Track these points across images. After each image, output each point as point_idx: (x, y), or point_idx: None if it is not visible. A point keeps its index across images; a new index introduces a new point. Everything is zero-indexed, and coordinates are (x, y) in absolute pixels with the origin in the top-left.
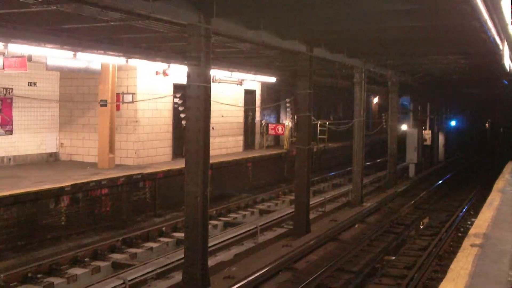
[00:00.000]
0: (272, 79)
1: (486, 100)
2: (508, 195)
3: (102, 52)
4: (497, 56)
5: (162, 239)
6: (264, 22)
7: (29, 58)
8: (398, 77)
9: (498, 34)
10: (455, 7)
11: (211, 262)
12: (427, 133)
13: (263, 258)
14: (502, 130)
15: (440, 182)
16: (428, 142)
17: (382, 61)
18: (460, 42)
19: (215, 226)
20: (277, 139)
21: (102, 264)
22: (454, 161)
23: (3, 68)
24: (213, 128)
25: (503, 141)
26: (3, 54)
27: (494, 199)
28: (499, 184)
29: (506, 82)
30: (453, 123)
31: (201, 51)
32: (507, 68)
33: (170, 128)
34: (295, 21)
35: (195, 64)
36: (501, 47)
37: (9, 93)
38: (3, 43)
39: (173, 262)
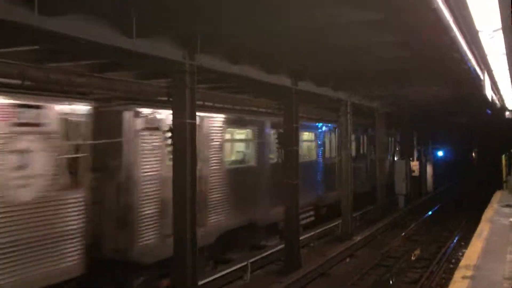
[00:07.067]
0: None
1: (472, 130)
2: (497, 225)
3: None
4: (479, 86)
5: None
6: (249, 57)
7: None
8: (385, 108)
9: (478, 65)
10: (436, 39)
11: None
12: (414, 164)
13: None
14: (488, 159)
15: (430, 213)
16: (416, 173)
17: (368, 93)
18: (443, 72)
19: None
20: None
21: None
22: (442, 191)
23: None
24: None
25: (489, 170)
26: None
27: (483, 229)
28: (487, 213)
29: (489, 111)
30: (440, 153)
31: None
32: (489, 97)
33: None
34: (279, 55)
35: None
36: (482, 77)
37: None
38: None
39: None
